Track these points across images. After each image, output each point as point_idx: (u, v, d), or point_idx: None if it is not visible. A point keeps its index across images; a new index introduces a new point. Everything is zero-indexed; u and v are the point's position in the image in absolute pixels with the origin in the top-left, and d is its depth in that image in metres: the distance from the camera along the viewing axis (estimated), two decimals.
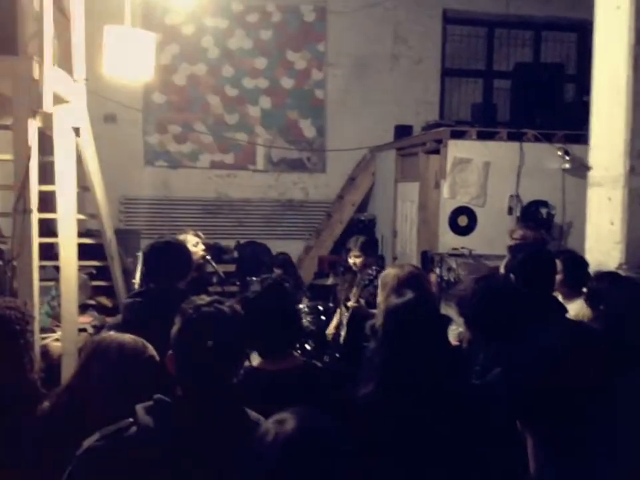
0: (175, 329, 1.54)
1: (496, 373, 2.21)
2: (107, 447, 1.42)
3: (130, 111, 7.45)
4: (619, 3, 3.61)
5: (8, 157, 3.39)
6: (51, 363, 3.59)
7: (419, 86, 8.20)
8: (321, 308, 5.05)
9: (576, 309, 3.12)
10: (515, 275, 2.74)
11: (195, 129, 7.89)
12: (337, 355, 4.33)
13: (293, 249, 7.46)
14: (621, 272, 3.38)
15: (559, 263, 3.17)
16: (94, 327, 4.24)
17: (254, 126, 8.03)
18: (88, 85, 4.21)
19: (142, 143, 7.83)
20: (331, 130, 8.15)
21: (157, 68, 4.55)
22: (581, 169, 5.08)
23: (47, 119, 3.69)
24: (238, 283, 6.44)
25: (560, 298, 3.31)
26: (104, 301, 4.95)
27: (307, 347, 4.39)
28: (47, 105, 3.21)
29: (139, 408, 1.46)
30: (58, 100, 3.56)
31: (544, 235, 4.95)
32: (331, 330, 4.56)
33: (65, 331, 3.78)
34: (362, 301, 4.20)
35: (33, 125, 3.14)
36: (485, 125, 5.75)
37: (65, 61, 3.79)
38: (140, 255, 3.64)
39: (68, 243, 3.88)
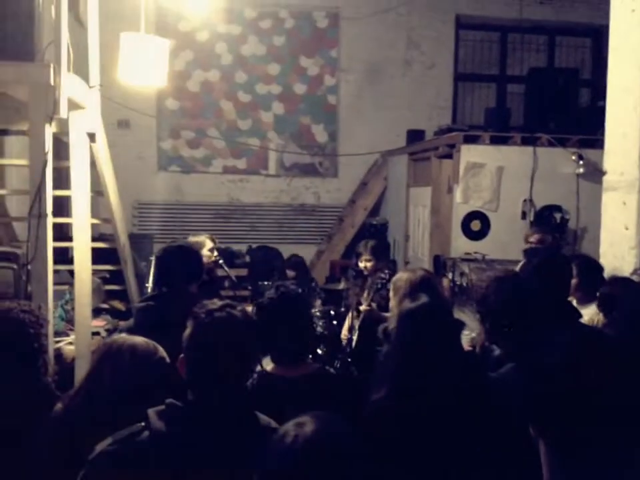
0: (186, 332, 1.54)
1: (507, 370, 2.20)
2: (119, 451, 1.42)
3: (144, 116, 7.52)
4: (634, 6, 3.59)
5: (24, 162, 3.43)
6: (65, 366, 3.61)
7: (431, 91, 8.19)
8: (332, 312, 5.05)
9: (590, 313, 3.09)
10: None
11: (208, 135, 7.94)
12: (349, 360, 4.32)
13: (305, 253, 7.46)
14: (635, 277, 3.34)
15: (573, 268, 3.14)
16: (107, 330, 4.27)
17: (266, 131, 8.06)
18: (102, 91, 4.26)
19: (155, 149, 7.89)
20: (343, 135, 8.16)
21: (170, 74, 4.59)
22: (594, 173, 5.04)
23: (62, 124, 3.73)
24: (250, 288, 6.46)
25: (574, 302, 3.28)
26: (117, 304, 4.98)
27: (319, 351, 4.38)
28: (63, 110, 3.25)
29: (151, 412, 1.46)
30: (73, 106, 3.60)
31: (558, 239, 4.92)
32: (344, 334, 4.55)
33: (78, 334, 3.81)
34: (374, 305, 4.18)
35: (49, 131, 3.17)
36: (498, 129, 5.72)
37: (80, 68, 3.83)
38: (153, 259, 3.66)
39: (82, 247, 3.91)
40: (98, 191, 4.53)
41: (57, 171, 3.60)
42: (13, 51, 3.21)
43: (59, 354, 3.71)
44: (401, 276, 3.02)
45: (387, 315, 3.66)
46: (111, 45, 4.23)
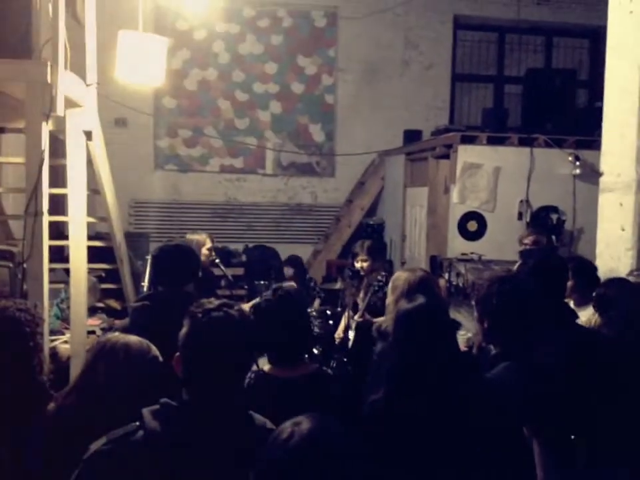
0: (182, 331, 1.54)
1: (501, 369, 2.20)
2: (114, 450, 1.42)
3: (141, 115, 7.50)
4: (632, 8, 3.59)
5: (20, 159, 3.42)
6: (60, 365, 3.60)
7: (429, 91, 8.20)
8: (329, 312, 5.05)
9: (587, 315, 3.09)
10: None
11: (205, 133, 7.93)
12: (344, 359, 4.32)
13: (302, 253, 7.44)
14: (631, 278, 3.35)
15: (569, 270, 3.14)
16: (102, 329, 4.25)
17: (264, 130, 8.05)
18: (99, 89, 4.24)
19: (152, 147, 7.88)
20: (341, 134, 8.16)
21: (168, 73, 4.58)
22: (591, 174, 5.05)
23: (59, 122, 3.72)
24: (246, 287, 6.45)
25: (572, 304, 3.29)
26: (113, 303, 4.97)
27: (315, 351, 4.38)
28: (59, 108, 3.23)
29: (146, 412, 1.46)
30: (70, 104, 3.59)
31: (552, 240, 4.93)
32: (339, 334, 4.55)
33: (73, 333, 3.80)
34: (367, 315, 4.20)
35: (45, 129, 3.16)
36: (495, 130, 5.73)
37: (77, 65, 3.82)
38: (149, 258, 3.65)
39: (78, 245, 3.90)
40: (94, 190, 4.52)
41: (53, 169, 3.59)
42: (10, 49, 3.19)
43: (54, 353, 3.69)
44: (400, 275, 3.02)
45: (382, 319, 3.66)
46: (109, 43, 4.21)
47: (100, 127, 4.34)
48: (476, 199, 5.47)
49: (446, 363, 1.97)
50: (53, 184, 3.46)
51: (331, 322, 4.97)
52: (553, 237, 5.14)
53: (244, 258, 7.35)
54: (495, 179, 5.46)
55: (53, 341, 3.80)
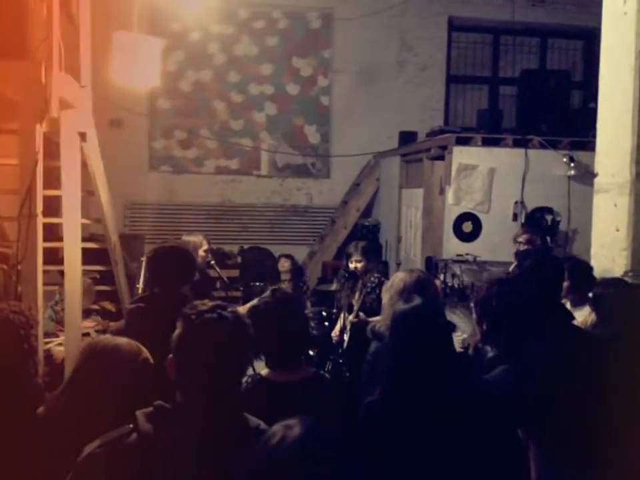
0: (176, 333, 1.53)
1: (500, 371, 2.20)
2: (107, 453, 1.41)
3: (136, 116, 7.49)
4: (625, 9, 3.60)
5: (14, 161, 3.40)
6: (55, 367, 3.58)
7: (424, 92, 8.21)
8: (324, 314, 5.05)
9: (584, 314, 3.10)
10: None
11: (200, 135, 7.91)
12: (340, 361, 4.32)
13: (297, 254, 7.45)
14: (627, 279, 3.36)
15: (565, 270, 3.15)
16: (97, 331, 4.24)
17: (259, 132, 8.05)
18: (94, 90, 4.23)
19: (147, 148, 7.86)
20: (336, 136, 8.16)
21: (162, 74, 4.57)
22: (586, 175, 5.06)
23: (53, 123, 3.70)
24: (241, 289, 6.45)
25: (568, 305, 3.30)
26: (108, 305, 4.95)
27: (310, 352, 4.38)
28: (54, 109, 3.22)
29: (139, 414, 1.45)
30: (64, 105, 3.57)
31: (546, 240, 4.94)
32: (334, 334, 4.55)
33: (68, 335, 3.78)
34: (361, 315, 4.20)
35: (39, 130, 3.14)
36: (490, 131, 5.74)
37: (71, 66, 3.80)
38: (143, 259, 3.64)
39: (72, 247, 3.88)
40: (89, 191, 4.50)
41: (47, 170, 3.57)
42: (4, 49, 3.17)
43: (48, 355, 3.68)
44: (398, 275, 3.04)
45: (376, 318, 3.66)
46: (103, 44, 4.20)
47: (94, 128, 4.32)
48: (471, 200, 5.48)
49: (442, 364, 1.97)
50: (47, 185, 3.44)
51: (326, 323, 4.97)
52: (548, 238, 5.16)
53: (239, 260, 7.34)
54: (490, 180, 5.47)
55: (47, 343, 3.78)
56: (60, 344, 3.90)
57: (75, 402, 1.86)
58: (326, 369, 4.26)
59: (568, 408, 2.12)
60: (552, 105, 5.95)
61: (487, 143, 5.52)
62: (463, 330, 3.79)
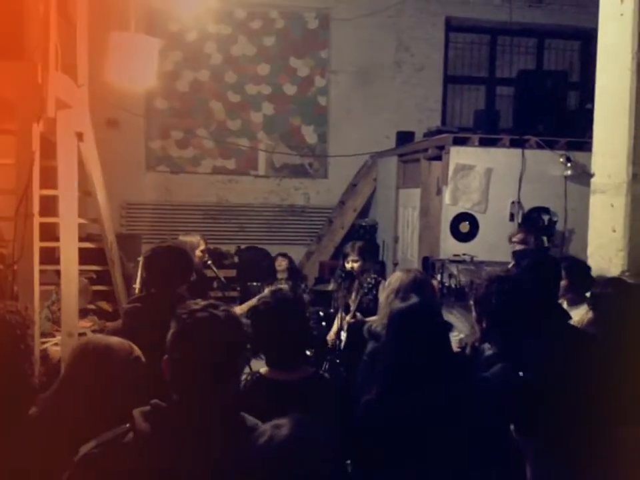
0: (169, 333, 1.53)
1: (498, 370, 2.21)
2: (104, 453, 1.41)
3: (132, 116, 7.47)
4: (622, 10, 3.61)
5: (10, 160, 3.40)
6: (51, 367, 3.57)
7: (421, 93, 8.21)
8: (321, 314, 5.04)
9: (581, 314, 3.11)
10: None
11: (197, 135, 7.90)
12: (337, 361, 4.32)
13: (294, 254, 7.45)
14: (622, 278, 3.36)
15: (562, 270, 3.16)
16: (94, 331, 4.23)
17: (256, 132, 8.04)
18: (91, 90, 4.22)
19: (144, 148, 7.85)
20: (333, 136, 8.16)
21: (159, 74, 4.56)
22: (582, 175, 5.08)
23: (50, 123, 3.69)
24: (238, 289, 6.44)
25: (565, 304, 3.30)
26: (104, 305, 4.94)
27: (307, 352, 4.37)
28: (50, 109, 3.22)
29: (137, 413, 1.45)
30: (61, 104, 3.56)
31: (541, 239, 4.96)
32: (331, 335, 4.55)
33: (64, 335, 3.77)
34: (359, 315, 4.20)
35: (36, 130, 3.14)
36: (487, 131, 5.75)
37: (68, 66, 3.80)
38: (140, 259, 3.63)
39: (69, 247, 3.88)
40: (85, 191, 4.49)
41: (44, 170, 3.57)
42: (0, 49, 3.17)
43: (45, 355, 3.67)
44: (395, 274, 3.05)
45: (373, 318, 3.67)
46: (100, 44, 4.19)
47: (91, 128, 4.32)
48: (468, 200, 5.48)
49: (439, 363, 1.97)
50: (43, 185, 3.44)
51: (323, 323, 4.97)
52: (545, 238, 5.17)
53: (236, 259, 7.33)
54: (487, 180, 5.48)
55: (43, 343, 3.77)
56: (56, 344, 3.89)
57: (68, 402, 1.85)
58: (323, 368, 4.26)
59: (562, 407, 2.13)
60: (549, 105, 5.96)
61: (484, 143, 5.53)
62: (460, 330, 3.79)
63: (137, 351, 1.92)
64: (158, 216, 7.75)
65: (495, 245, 5.28)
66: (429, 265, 5.43)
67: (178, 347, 1.50)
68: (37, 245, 3.16)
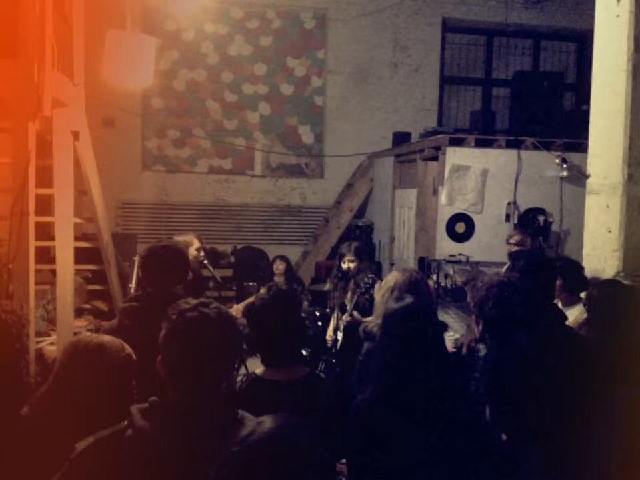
0: (161, 333, 1.53)
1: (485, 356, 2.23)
2: (103, 449, 1.41)
3: (129, 115, 7.46)
4: (618, 12, 3.63)
5: (6, 159, 3.39)
6: (46, 366, 3.56)
7: (417, 93, 8.23)
8: (317, 313, 5.05)
9: (576, 314, 3.12)
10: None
11: (194, 134, 7.90)
12: (333, 360, 4.32)
13: (291, 254, 7.45)
14: (618, 280, 3.38)
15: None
16: (89, 330, 4.22)
17: (253, 132, 8.04)
18: (87, 89, 4.21)
19: (140, 148, 7.83)
20: (330, 136, 8.16)
21: (156, 73, 4.56)
22: (578, 177, 5.09)
23: (46, 122, 3.69)
24: (234, 288, 6.44)
25: (560, 304, 3.31)
26: (100, 305, 4.93)
27: (303, 352, 4.38)
28: (46, 108, 3.21)
29: (135, 410, 1.45)
30: (57, 103, 3.56)
31: (538, 241, 4.98)
32: (330, 334, 4.56)
33: (60, 334, 3.76)
34: (355, 314, 4.20)
35: (32, 129, 3.13)
36: (483, 132, 5.77)
37: (64, 65, 3.79)
38: (136, 259, 3.63)
39: (64, 246, 3.87)
40: (81, 190, 4.48)
41: (39, 169, 3.56)
42: None
43: (40, 354, 3.66)
44: (392, 274, 3.06)
45: (369, 319, 3.67)
46: (97, 43, 4.19)
47: (87, 127, 4.31)
48: (464, 201, 5.50)
49: (433, 362, 1.98)
50: (39, 184, 3.43)
51: (319, 323, 4.97)
52: (540, 239, 5.18)
53: (232, 259, 7.33)
54: (483, 181, 5.49)
55: (39, 342, 3.77)
56: (52, 343, 3.88)
57: (60, 400, 1.85)
58: (319, 369, 4.26)
59: (545, 406, 2.13)
60: (545, 106, 5.98)
61: (480, 144, 5.54)
62: (456, 330, 3.80)
63: (128, 349, 1.93)
64: (154, 215, 7.74)
65: (491, 245, 5.30)
66: (425, 265, 5.44)
67: (169, 347, 1.51)
68: (33, 244, 3.16)
